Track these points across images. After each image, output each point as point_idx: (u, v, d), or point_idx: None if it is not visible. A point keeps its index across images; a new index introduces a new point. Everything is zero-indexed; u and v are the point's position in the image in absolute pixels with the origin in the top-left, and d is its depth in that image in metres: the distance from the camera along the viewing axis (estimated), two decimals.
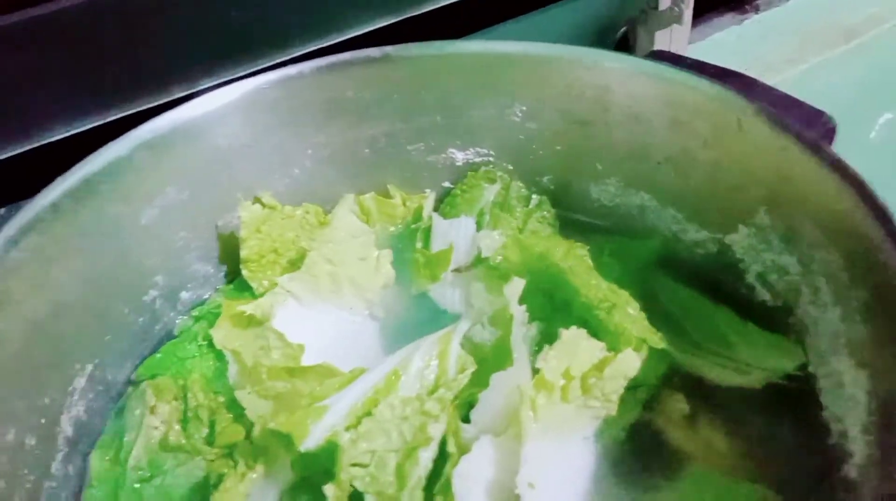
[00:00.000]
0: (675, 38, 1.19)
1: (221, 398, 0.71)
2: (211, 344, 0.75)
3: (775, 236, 0.65)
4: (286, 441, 0.57)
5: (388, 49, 0.77)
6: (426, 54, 0.78)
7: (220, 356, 0.75)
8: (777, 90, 0.78)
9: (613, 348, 0.65)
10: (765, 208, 0.65)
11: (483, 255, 0.78)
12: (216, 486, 0.62)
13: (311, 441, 0.56)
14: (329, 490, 0.53)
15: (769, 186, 0.63)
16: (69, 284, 0.68)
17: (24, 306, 0.63)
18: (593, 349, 0.64)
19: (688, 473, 0.63)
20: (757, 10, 1.39)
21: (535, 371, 0.62)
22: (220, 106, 0.74)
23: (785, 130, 0.61)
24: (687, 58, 0.86)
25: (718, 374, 0.69)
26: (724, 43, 1.35)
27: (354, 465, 0.55)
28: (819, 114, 0.76)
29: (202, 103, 0.74)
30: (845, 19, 1.52)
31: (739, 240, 0.69)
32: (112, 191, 0.69)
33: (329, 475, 0.57)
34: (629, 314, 0.69)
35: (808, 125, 0.73)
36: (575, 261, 0.75)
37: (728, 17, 1.39)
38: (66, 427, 0.67)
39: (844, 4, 1.53)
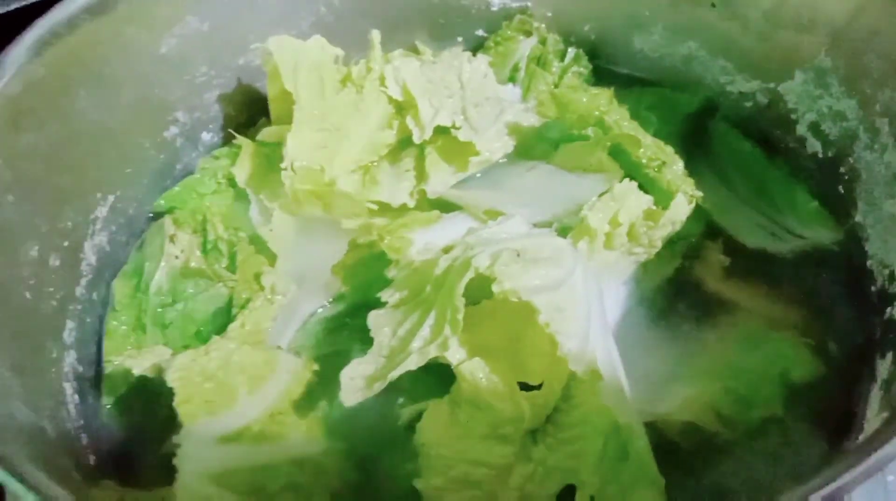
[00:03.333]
0: None
1: (242, 233, 0.70)
2: (230, 182, 0.74)
3: (835, 80, 0.61)
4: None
5: None
6: None
7: (239, 194, 0.74)
8: None
9: (661, 203, 0.63)
10: (827, 48, 0.60)
11: None
12: (242, 307, 0.62)
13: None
14: None
15: (836, 23, 0.59)
16: (91, 110, 0.65)
17: (48, 126, 0.61)
18: (641, 201, 0.62)
19: (722, 321, 0.62)
20: None
21: (581, 219, 0.61)
22: None
23: None
24: None
25: (755, 237, 0.67)
26: None
27: None
28: None
29: None
30: None
31: (794, 87, 0.65)
32: (129, 11, 0.66)
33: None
34: (675, 171, 0.67)
35: None
36: (619, 115, 0.72)
37: None
38: (90, 255, 0.67)
39: None
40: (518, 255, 0.53)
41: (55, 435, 0.53)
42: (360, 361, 0.54)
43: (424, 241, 0.63)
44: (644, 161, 0.67)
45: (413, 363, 0.52)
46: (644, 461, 0.48)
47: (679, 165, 0.67)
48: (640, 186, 0.64)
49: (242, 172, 0.73)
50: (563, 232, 0.63)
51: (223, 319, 0.64)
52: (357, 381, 0.54)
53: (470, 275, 0.52)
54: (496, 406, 0.52)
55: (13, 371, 0.50)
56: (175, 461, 0.49)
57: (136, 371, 0.55)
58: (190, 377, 0.52)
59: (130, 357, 0.58)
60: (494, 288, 0.51)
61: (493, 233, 0.59)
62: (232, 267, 0.67)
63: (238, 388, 0.53)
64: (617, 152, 0.69)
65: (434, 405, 0.53)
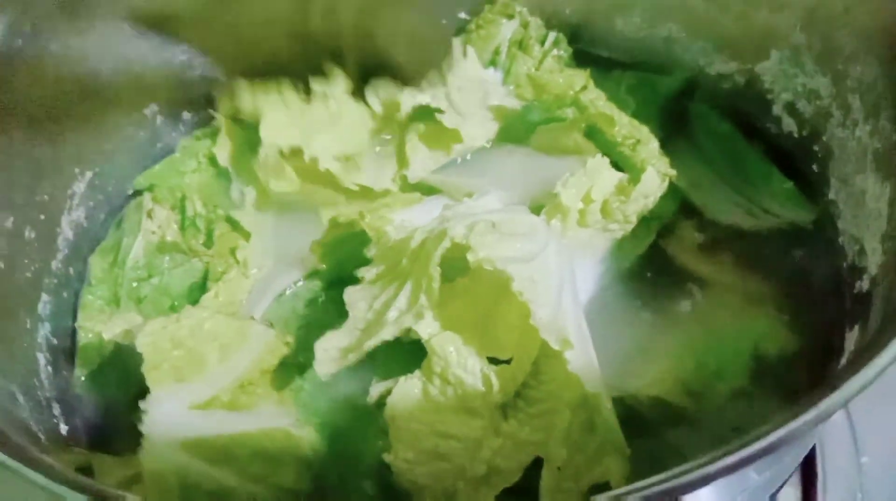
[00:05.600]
0: None
1: (221, 211, 0.70)
2: (211, 161, 0.74)
3: (809, 58, 0.61)
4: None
5: None
6: None
7: (220, 172, 0.74)
8: None
9: (635, 181, 0.63)
10: (801, 26, 0.61)
11: None
12: (217, 280, 0.62)
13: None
14: None
15: (810, 1, 0.59)
16: (69, 85, 0.65)
17: (25, 100, 0.61)
18: (614, 177, 0.62)
19: (696, 297, 0.62)
20: None
21: (553, 196, 0.61)
22: None
23: None
24: None
25: (730, 215, 0.67)
26: None
27: None
28: None
29: None
30: None
31: (770, 67, 0.66)
32: None
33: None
34: (650, 149, 0.67)
35: None
36: (595, 95, 0.72)
37: None
38: (67, 230, 0.67)
39: None
40: (493, 225, 0.53)
41: (25, 403, 0.52)
42: (335, 333, 0.55)
43: (401, 220, 0.63)
44: (619, 140, 0.67)
45: (388, 333, 0.52)
46: (610, 430, 0.49)
47: (654, 143, 0.67)
48: (615, 165, 0.64)
49: (223, 150, 0.73)
50: (535, 211, 0.63)
51: (198, 293, 0.64)
52: (331, 352, 0.54)
53: (446, 244, 0.52)
54: (465, 380, 0.52)
55: None
56: (141, 427, 0.49)
57: (107, 336, 0.55)
58: (159, 343, 0.52)
59: (101, 323, 0.58)
60: (469, 257, 0.51)
61: (468, 208, 0.59)
62: (209, 243, 0.67)
63: (208, 356, 0.53)
64: (593, 133, 0.69)
65: (404, 380, 0.53)
